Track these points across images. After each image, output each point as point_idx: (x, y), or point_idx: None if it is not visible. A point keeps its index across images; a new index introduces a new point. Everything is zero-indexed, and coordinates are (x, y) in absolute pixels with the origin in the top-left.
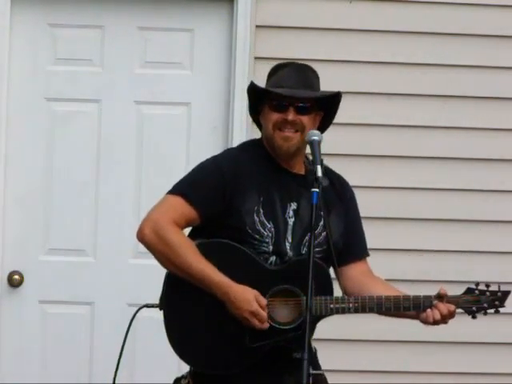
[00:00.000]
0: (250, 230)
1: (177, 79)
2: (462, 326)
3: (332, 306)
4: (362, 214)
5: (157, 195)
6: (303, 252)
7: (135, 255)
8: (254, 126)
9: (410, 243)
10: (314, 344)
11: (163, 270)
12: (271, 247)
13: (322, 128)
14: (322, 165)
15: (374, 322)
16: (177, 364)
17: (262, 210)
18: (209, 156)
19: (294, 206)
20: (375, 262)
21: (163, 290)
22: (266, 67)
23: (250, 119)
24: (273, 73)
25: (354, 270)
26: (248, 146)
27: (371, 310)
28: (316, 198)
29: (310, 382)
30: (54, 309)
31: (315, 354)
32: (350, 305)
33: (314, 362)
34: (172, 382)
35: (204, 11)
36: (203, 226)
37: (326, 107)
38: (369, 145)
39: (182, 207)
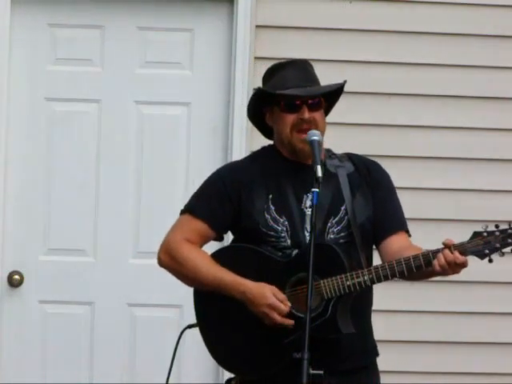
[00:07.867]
0: (264, 229)
1: (177, 79)
2: (462, 325)
3: (348, 282)
4: None
5: (157, 195)
6: (328, 238)
7: (135, 255)
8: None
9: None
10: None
11: (163, 270)
12: (289, 241)
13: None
14: (322, 165)
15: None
16: (177, 364)
17: (272, 207)
18: (208, 155)
19: (311, 196)
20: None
21: (194, 307)
22: (266, 67)
23: None
24: (271, 74)
25: (392, 245)
26: (257, 151)
27: (386, 278)
28: (316, 198)
29: (310, 381)
30: (54, 309)
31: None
32: (365, 277)
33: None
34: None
35: (204, 11)
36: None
37: (328, 98)
38: (368, 145)
39: (190, 223)
